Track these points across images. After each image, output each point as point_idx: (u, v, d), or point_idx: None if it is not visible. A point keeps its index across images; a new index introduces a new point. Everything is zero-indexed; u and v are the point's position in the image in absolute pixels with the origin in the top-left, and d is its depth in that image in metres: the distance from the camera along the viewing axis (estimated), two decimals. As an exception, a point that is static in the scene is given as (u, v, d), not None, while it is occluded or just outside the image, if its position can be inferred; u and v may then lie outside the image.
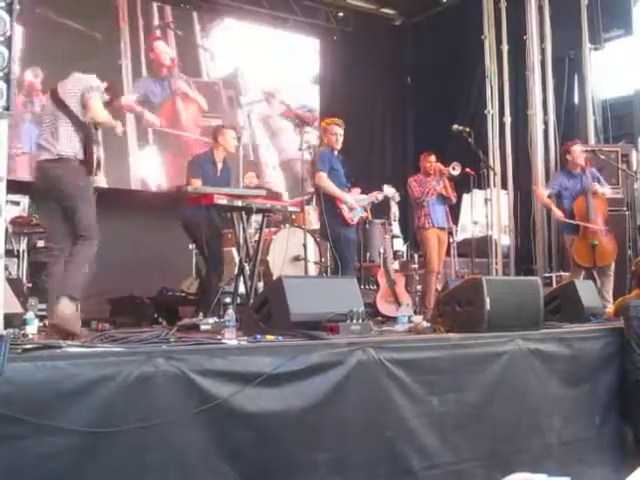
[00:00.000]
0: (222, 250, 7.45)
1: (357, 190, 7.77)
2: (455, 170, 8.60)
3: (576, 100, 11.36)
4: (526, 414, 4.84)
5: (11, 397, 2.89)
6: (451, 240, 9.71)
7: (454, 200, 8.89)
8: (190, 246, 8.60)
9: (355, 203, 7.53)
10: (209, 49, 12.72)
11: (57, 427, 2.98)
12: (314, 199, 8.23)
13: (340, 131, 7.64)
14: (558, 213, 8.50)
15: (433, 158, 8.84)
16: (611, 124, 10.99)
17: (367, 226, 9.91)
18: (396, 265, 9.22)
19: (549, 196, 8.73)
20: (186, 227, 7.27)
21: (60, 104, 5.43)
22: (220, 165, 7.50)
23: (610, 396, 5.41)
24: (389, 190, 7.98)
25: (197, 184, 7.07)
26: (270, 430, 3.61)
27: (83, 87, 5.44)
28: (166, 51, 12.39)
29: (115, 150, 10.23)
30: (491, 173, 10.12)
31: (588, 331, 5.53)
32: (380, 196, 7.97)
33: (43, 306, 7.63)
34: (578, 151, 8.60)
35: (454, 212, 9.70)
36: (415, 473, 4.15)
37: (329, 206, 7.36)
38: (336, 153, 7.63)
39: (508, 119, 11.28)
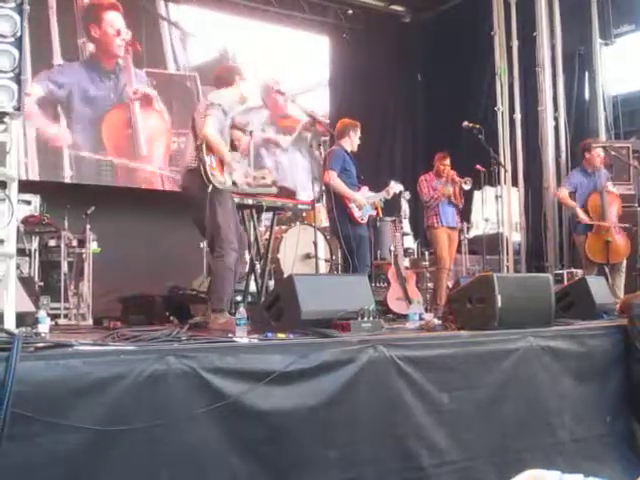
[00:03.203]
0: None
1: (365, 188, 7.78)
2: (467, 185, 8.79)
3: (587, 96, 11.32)
4: (537, 411, 4.84)
5: (24, 395, 2.90)
6: (462, 237, 9.74)
7: (461, 206, 9.04)
8: (201, 245, 8.62)
9: (364, 200, 7.55)
10: (181, 27, 10.61)
11: (69, 425, 3.00)
12: (324, 197, 8.25)
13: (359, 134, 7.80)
14: (582, 215, 8.53)
15: (448, 162, 8.93)
16: (622, 120, 10.96)
17: (378, 224, 9.92)
18: (407, 262, 9.22)
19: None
20: (198, 224, 7.29)
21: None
22: None
23: (621, 393, 5.40)
24: (396, 186, 8.00)
25: None
26: (281, 428, 3.62)
27: (205, 106, 5.90)
28: (121, 29, 10.28)
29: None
30: (502, 170, 10.11)
31: (599, 328, 5.52)
32: (391, 191, 7.97)
33: (55, 304, 7.70)
34: (597, 152, 8.66)
35: (465, 210, 9.71)
36: (425, 470, 4.15)
37: (339, 205, 7.38)
38: (349, 152, 7.68)
39: (518, 116, 11.25)
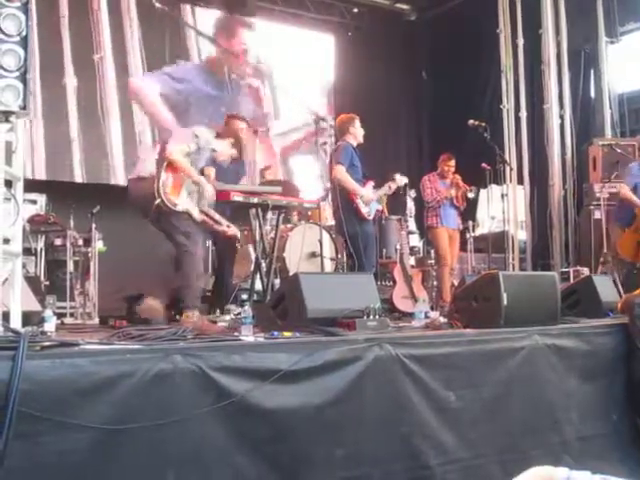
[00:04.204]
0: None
1: (370, 183, 7.77)
2: (471, 193, 8.87)
3: (592, 94, 11.33)
4: (543, 409, 4.83)
5: (30, 394, 2.90)
6: (467, 236, 9.75)
7: (462, 209, 9.15)
8: (207, 243, 8.62)
9: (371, 195, 7.55)
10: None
11: (76, 424, 3.00)
12: (329, 195, 8.24)
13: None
14: None
15: (453, 163, 8.96)
16: (628, 118, 10.95)
17: (383, 222, 9.92)
18: (412, 261, 9.23)
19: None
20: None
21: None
22: None
23: (627, 391, 5.39)
24: (401, 179, 7.99)
25: (211, 173, 7.11)
26: (287, 426, 3.62)
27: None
28: (248, 49, 11.12)
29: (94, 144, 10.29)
30: (507, 168, 10.10)
31: (605, 326, 5.49)
32: (393, 186, 7.96)
33: (61, 303, 7.71)
34: None
35: (470, 208, 9.73)
36: (432, 469, 4.14)
37: (345, 202, 7.37)
38: (355, 147, 7.68)
39: (524, 114, 11.25)
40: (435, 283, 9.13)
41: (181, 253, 5.91)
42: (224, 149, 6.36)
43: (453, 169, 8.98)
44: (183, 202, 5.89)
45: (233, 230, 6.40)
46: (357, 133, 7.71)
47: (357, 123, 7.74)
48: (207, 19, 11.68)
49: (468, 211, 9.56)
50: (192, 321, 5.60)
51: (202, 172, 7.17)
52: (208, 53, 11.47)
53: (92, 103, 10.52)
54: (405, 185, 8.11)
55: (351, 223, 7.32)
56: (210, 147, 6.16)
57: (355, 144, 7.68)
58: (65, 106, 10.31)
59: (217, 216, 6.25)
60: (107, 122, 10.65)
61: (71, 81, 10.31)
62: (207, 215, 6.16)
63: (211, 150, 6.19)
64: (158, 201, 5.71)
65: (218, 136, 6.45)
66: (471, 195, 8.87)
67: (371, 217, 7.61)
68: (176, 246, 5.95)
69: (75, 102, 10.37)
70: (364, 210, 7.46)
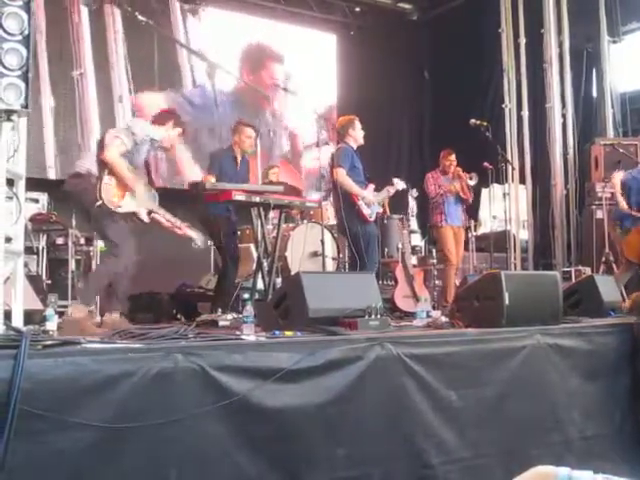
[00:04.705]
0: (238, 247, 7.48)
1: (371, 186, 7.77)
2: (472, 180, 8.81)
3: (594, 93, 11.32)
4: (545, 409, 4.82)
5: (32, 393, 2.90)
6: (470, 235, 9.74)
7: (470, 201, 9.02)
8: (209, 242, 8.63)
9: (372, 198, 7.53)
10: (207, 58, 10.84)
11: (78, 422, 3.00)
12: (331, 195, 8.23)
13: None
14: (623, 203, 8.26)
15: (453, 157, 8.92)
16: (630, 117, 10.95)
17: (385, 221, 9.91)
18: (414, 260, 9.21)
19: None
20: (204, 223, 7.26)
21: None
22: (239, 159, 7.53)
23: (631, 391, 5.38)
24: (399, 183, 7.96)
25: (212, 181, 7.12)
26: (288, 425, 3.62)
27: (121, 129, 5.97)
28: (279, 81, 11.19)
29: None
30: (509, 167, 10.09)
31: (607, 326, 5.49)
32: (392, 190, 7.94)
33: (63, 302, 7.70)
34: None
35: (472, 207, 9.71)
36: (433, 468, 4.14)
37: (347, 203, 7.35)
38: (355, 149, 7.65)
39: (526, 113, 11.24)
40: (437, 282, 9.12)
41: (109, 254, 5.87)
42: (167, 134, 6.17)
43: (454, 163, 8.95)
44: (128, 203, 5.74)
45: (185, 231, 6.29)
46: (357, 135, 7.65)
47: (357, 125, 7.68)
48: (199, 35, 11.55)
49: (471, 209, 9.54)
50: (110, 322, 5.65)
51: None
52: (200, 71, 11.33)
53: (71, 123, 10.33)
54: (403, 189, 8.09)
55: (353, 222, 7.30)
56: (149, 138, 5.94)
57: (355, 146, 7.63)
58: (40, 127, 10.09)
59: (169, 215, 6.17)
60: (86, 141, 10.40)
61: (48, 101, 10.09)
62: (160, 215, 6.08)
63: (150, 140, 5.97)
64: (99, 203, 5.57)
65: (154, 122, 6.25)
66: (472, 182, 8.81)
67: (372, 219, 7.58)
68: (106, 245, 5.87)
69: (52, 123, 10.20)
70: (366, 212, 7.43)
